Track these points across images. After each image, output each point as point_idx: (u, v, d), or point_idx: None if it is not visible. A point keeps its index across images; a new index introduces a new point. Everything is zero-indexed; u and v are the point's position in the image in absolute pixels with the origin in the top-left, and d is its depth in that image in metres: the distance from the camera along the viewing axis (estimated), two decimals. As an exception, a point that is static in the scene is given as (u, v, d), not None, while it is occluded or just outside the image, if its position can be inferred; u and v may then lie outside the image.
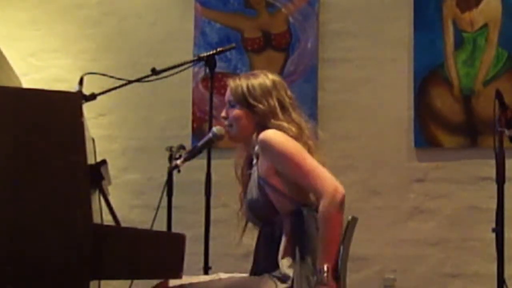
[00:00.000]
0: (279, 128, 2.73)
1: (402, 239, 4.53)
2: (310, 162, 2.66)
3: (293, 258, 2.62)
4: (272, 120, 2.74)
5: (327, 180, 2.61)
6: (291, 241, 2.65)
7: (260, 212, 2.73)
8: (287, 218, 2.68)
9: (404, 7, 4.61)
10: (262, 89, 2.79)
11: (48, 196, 2.44)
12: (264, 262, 2.70)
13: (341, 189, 2.58)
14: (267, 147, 2.69)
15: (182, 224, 3.52)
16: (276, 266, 2.64)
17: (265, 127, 2.74)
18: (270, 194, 2.69)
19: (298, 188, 2.70)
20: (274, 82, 2.82)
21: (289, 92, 2.85)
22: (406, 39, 4.61)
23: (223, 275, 2.76)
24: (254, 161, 2.78)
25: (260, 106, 2.76)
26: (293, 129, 2.74)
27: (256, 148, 2.76)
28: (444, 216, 4.51)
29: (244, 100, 2.79)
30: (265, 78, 2.82)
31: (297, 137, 2.73)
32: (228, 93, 2.85)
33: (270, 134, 2.69)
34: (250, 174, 2.81)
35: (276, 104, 2.78)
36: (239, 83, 2.82)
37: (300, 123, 2.78)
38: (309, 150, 2.72)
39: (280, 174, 2.69)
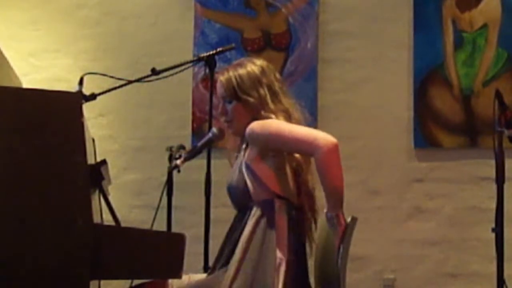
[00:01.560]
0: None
1: (402, 239, 4.53)
2: (295, 127, 2.71)
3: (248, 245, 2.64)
4: (262, 112, 2.76)
5: (315, 134, 2.64)
6: (255, 230, 2.66)
7: (236, 197, 2.76)
8: (258, 206, 2.69)
9: (404, 7, 4.61)
10: (251, 80, 2.80)
11: (48, 196, 2.44)
12: (229, 253, 2.71)
13: (332, 138, 2.62)
14: (253, 137, 2.72)
15: (182, 224, 3.52)
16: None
17: (256, 118, 2.76)
18: (248, 179, 2.70)
19: (278, 179, 2.71)
20: (262, 68, 2.83)
21: (277, 75, 2.88)
22: (406, 39, 4.61)
23: (194, 276, 2.78)
24: (243, 146, 2.81)
25: (251, 99, 2.78)
26: (281, 118, 2.76)
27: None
28: (444, 216, 4.51)
29: (235, 94, 2.80)
30: (252, 66, 2.83)
31: None
32: (220, 88, 2.85)
33: (253, 125, 2.72)
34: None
35: (266, 91, 2.80)
36: (228, 77, 2.82)
37: (288, 109, 2.80)
38: None
39: (268, 159, 2.71)
